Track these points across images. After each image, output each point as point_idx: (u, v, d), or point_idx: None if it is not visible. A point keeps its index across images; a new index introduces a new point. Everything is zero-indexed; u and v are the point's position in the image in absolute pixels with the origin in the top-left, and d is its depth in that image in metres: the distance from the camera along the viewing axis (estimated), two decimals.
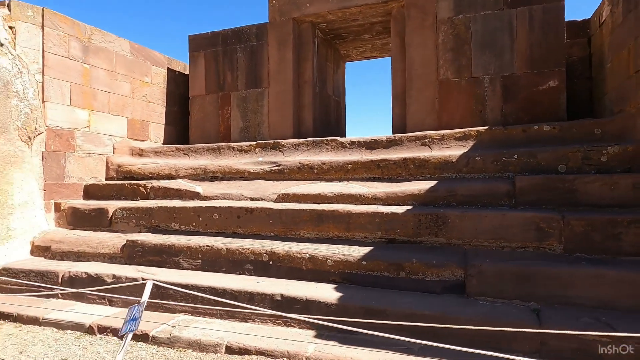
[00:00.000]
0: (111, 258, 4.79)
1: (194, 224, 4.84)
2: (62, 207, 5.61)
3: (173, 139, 7.66)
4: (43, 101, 5.52)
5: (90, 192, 6.00)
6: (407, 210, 4.06)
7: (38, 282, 4.48)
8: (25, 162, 5.27)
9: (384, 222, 4.07)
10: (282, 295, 3.55)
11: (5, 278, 4.65)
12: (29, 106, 5.31)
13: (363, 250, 3.89)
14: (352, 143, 5.51)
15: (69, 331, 3.72)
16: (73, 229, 5.47)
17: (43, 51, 5.54)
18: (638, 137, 4.11)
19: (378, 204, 4.46)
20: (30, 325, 3.88)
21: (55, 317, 3.88)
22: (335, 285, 3.75)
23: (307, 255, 3.96)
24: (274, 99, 6.83)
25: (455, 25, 5.84)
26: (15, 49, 5.26)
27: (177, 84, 7.78)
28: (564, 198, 3.87)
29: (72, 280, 4.38)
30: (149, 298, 3.76)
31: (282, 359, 3.03)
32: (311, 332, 3.36)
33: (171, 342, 3.36)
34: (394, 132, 6.35)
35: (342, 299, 3.41)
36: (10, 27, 5.26)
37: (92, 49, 6.15)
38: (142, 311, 2.56)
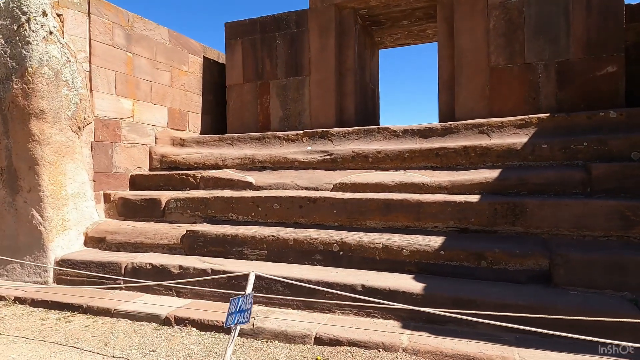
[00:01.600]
0: (170, 249, 4.75)
1: (252, 214, 4.79)
2: (111, 198, 5.56)
3: (209, 128, 7.58)
4: (90, 90, 5.44)
5: (137, 182, 5.94)
6: (481, 198, 3.99)
7: (99, 273, 4.45)
8: (76, 153, 5.21)
9: (457, 211, 4.00)
10: (363, 286, 3.51)
11: (66, 269, 4.62)
12: (77, 95, 5.23)
13: (438, 240, 3.83)
14: (405, 131, 5.43)
15: (144, 322, 3.70)
16: (124, 219, 5.43)
17: (90, 39, 5.44)
18: None
19: (443, 193, 4.39)
20: (102, 317, 3.85)
21: (127, 309, 3.85)
22: (412, 276, 3.70)
23: (381, 245, 3.91)
24: (315, 87, 6.73)
25: (508, 10, 5.70)
26: (63, 37, 5.16)
27: (212, 72, 7.68)
28: None
29: (136, 271, 4.35)
30: (241, 289, 3.73)
31: (377, 350, 3.00)
32: (396, 323, 3.32)
33: (255, 334, 3.33)
34: (440, 120, 6.25)
35: (427, 289, 3.37)
36: (58, 15, 5.15)
37: (134, 37, 6.05)
38: (251, 303, 2.52)
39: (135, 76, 6.07)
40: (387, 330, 3.20)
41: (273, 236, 4.31)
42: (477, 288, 3.35)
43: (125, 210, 5.48)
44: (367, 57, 7.61)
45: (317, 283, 3.66)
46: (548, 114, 4.86)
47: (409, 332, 3.15)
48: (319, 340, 3.16)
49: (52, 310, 4.06)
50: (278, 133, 6.13)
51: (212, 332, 3.44)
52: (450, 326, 3.20)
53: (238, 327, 2.51)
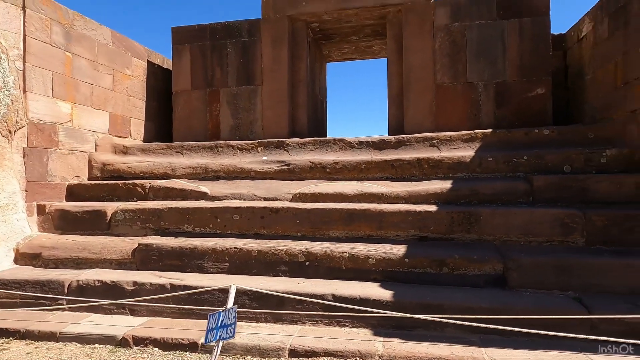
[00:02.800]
0: (120, 264, 4.42)
1: (210, 225, 4.61)
2: (47, 210, 5.06)
3: (153, 135, 7.21)
4: (24, 91, 4.95)
5: (76, 192, 5.47)
6: (439, 208, 4.21)
7: (37, 293, 4.01)
8: (6, 160, 4.69)
9: (417, 220, 4.18)
10: (333, 295, 3.52)
11: None
12: (9, 96, 4.73)
13: (401, 248, 3.97)
14: (360, 143, 5.58)
15: (97, 345, 3.39)
16: (62, 233, 4.95)
17: (24, 35, 4.96)
18: (628, 141, 4.62)
19: (401, 203, 4.57)
20: (45, 342, 3.47)
21: (75, 331, 3.51)
22: (379, 284, 3.79)
23: (347, 254, 3.96)
24: (268, 97, 6.70)
25: (452, 32, 6.14)
26: None
27: (156, 77, 7.34)
28: (576, 196, 4.25)
29: (82, 290, 3.98)
30: (186, 304, 3.55)
31: (354, 358, 3.02)
32: (368, 331, 3.38)
33: (226, 350, 3.19)
34: (390, 133, 6.51)
35: (395, 296, 3.47)
36: None
37: (74, 36, 5.62)
38: (234, 317, 2.41)
39: (75, 78, 5.62)
40: (360, 338, 3.24)
41: (235, 248, 4.19)
42: (442, 293, 3.51)
43: (64, 223, 5.01)
44: (317, 70, 7.74)
45: (286, 294, 3.61)
46: (491, 130, 5.28)
47: (381, 339, 3.22)
48: (294, 353, 3.11)
49: None
50: (231, 142, 6.00)
51: (178, 352, 3.24)
52: (420, 331, 3.32)
53: (220, 344, 2.40)
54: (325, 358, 3.05)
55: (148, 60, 7.14)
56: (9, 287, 4.10)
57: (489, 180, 4.62)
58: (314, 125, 7.33)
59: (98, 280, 3.99)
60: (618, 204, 4.11)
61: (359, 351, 3.05)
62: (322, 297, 3.53)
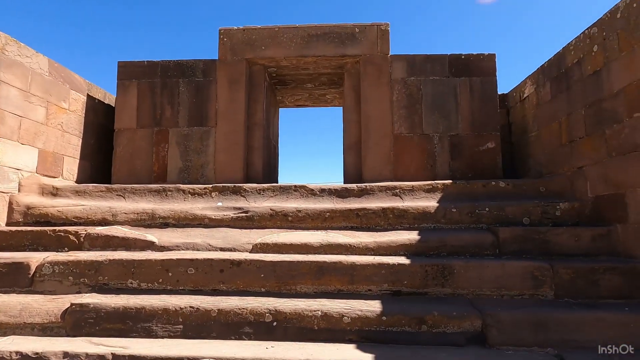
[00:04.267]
0: (44, 329, 3.66)
1: (160, 280, 4.05)
2: None
3: (88, 176, 6.48)
4: None
5: None
6: (413, 260, 4.06)
7: None
8: None
9: (390, 274, 3.98)
10: None
11: None
12: None
13: (376, 305, 3.71)
14: (322, 190, 5.39)
15: None
16: None
17: None
18: (577, 195, 4.90)
19: (370, 254, 4.38)
20: None
21: None
22: (355, 345, 3.46)
23: (320, 312, 3.61)
24: (222, 139, 6.38)
25: (408, 86, 6.35)
26: None
27: (96, 113, 6.73)
28: (539, 248, 4.33)
29: None
30: None
31: None
32: None
33: None
34: (346, 181, 6.44)
35: None
36: None
37: (4, 62, 4.98)
38: None
39: (1, 108, 4.91)
40: None
41: (191, 307, 3.67)
42: (426, 355, 3.27)
43: None
44: (271, 114, 7.60)
45: None
46: (451, 181, 5.36)
47: None
48: None
49: None
50: (182, 186, 5.52)
51: None
52: None
53: None
54: None
55: (88, 94, 6.54)
56: None
57: (456, 232, 4.60)
58: (268, 170, 7.06)
59: (15, 352, 3.23)
60: (577, 256, 4.25)
61: None
62: None
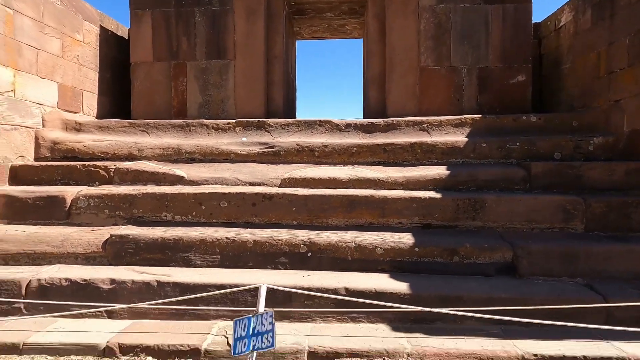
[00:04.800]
0: (87, 259, 3.81)
1: (193, 213, 4.12)
2: None
3: (107, 111, 6.40)
4: None
5: (21, 175, 4.66)
6: (444, 195, 4.06)
7: None
8: None
9: (422, 207, 4.01)
10: (346, 289, 3.25)
11: None
12: None
13: (408, 237, 3.78)
14: (347, 125, 5.29)
15: (74, 357, 2.85)
16: (9, 223, 4.20)
17: None
18: (611, 129, 4.76)
19: (399, 189, 4.38)
20: (6, 356, 2.87)
21: (43, 341, 2.94)
22: (388, 275, 3.57)
23: (353, 244, 3.69)
24: (241, 74, 6.17)
25: (437, 14, 5.98)
26: None
27: (110, 46, 6.49)
28: (571, 183, 4.29)
29: (45, 290, 3.37)
30: (176, 304, 3.13)
31: (381, 358, 2.78)
32: (385, 326, 3.16)
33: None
34: (367, 116, 6.31)
35: (412, 289, 3.27)
36: None
37: None
38: (271, 323, 2.04)
39: (17, 39, 4.74)
40: (381, 335, 3.01)
41: (227, 238, 3.76)
42: (458, 284, 3.38)
43: (10, 211, 4.24)
44: (289, 46, 7.29)
45: (293, 289, 3.28)
46: (480, 115, 5.22)
47: (404, 334, 3.01)
48: (314, 355, 2.81)
49: None
50: (205, 121, 5.45)
51: (177, 359, 2.82)
52: (439, 324, 3.16)
53: (254, 354, 2.05)
54: (349, 359, 2.78)
55: (101, 26, 6.28)
56: None
57: (485, 167, 4.55)
58: (287, 106, 6.91)
59: (65, 279, 3.39)
60: (610, 191, 4.21)
61: (385, 350, 2.82)
62: (335, 291, 3.24)
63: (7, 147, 4.64)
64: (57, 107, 5.39)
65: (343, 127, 5.29)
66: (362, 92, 7.14)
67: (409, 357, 2.78)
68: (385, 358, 2.79)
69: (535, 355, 2.73)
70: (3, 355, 2.87)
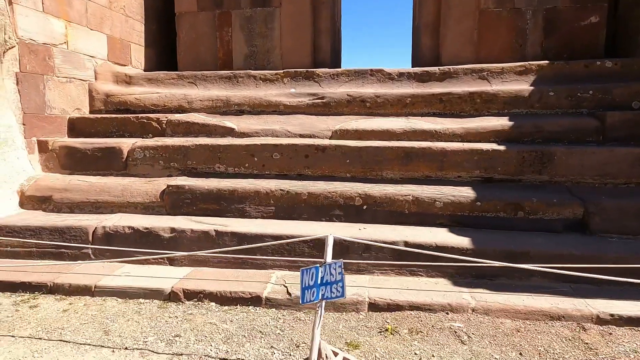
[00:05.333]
0: (146, 208, 3.91)
1: (246, 164, 4.10)
2: (49, 147, 4.40)
3: (154, 64, 6.38)
4: (10, 2, 4.08)
5: (79, 127, 4.79)
6: (508, 147, 3.81)
7: (55, 241, 3.51)
8: None
9: (483, 160, 3.79)
10: (405, 242, 3.16)
11: (4, 238, 3.56)
12: None
13: (468, 191, 3.60)
14: (400, 74, 5.02)
15: (142, 300, 2.97)
16: (71, 173, 4.35)
17: None
18: None
19: (457, 141, 4.15)
20: (79, 297, 3.03)
21: (112, 284, 3.07)
22: (447, 229, 3.45)
23: (410, 197, 3.57)
24: (287, 22, 5.93)
25: None
26: None
27: None
28: None
29: (110, 237, 3.50)
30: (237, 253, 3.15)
31: (444, 312, 2.72)
32: (445, 281, 3.07)
33: (294, 304, 2.84)
34: (417, 66, 5.94)
35: (475, 243, 3.14)
36: None
37: None
38: (340, 273, 2.01)
39: None
40: (442, 289, 2.93)
41: (281, 190, 3.73)
42: (523, 239, 3.21)
43: (71, 162, 4.39)
44: None
45: (346, 241, 3.23)
46: (547, 62, 4.79)
47: (466, 289, 2.92)
48: (375, 307, 2.79)
49: (2, 293, 3.09)
50: (252, 72, 5.32)
51: (239, 306, 2.87)
52: (503, 280, 3.04)
53: (323, 303, 2.03)
54: (411, 312, 2.74)
55: None
56: (22, 235, 3.57)
57: (553, 117, 4.22)
58: (334, 55, 6.64)
59: (128, 227, 3.50)
60: None
61: (449, 304, 2.75)
62: (393, 244, 3.16)
63: (65, 100, 4.73)
64: (107, 60, 5.41)
65: (396, 77, 5.02)
66: (410, 40, 6.71)
67: (473, 312, 2.70)
68: (449, 312, 2.72)
69: (612, 315, 2.58)
70: (77, 296, 3.03)
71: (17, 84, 4.16)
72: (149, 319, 2.71)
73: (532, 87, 4.50)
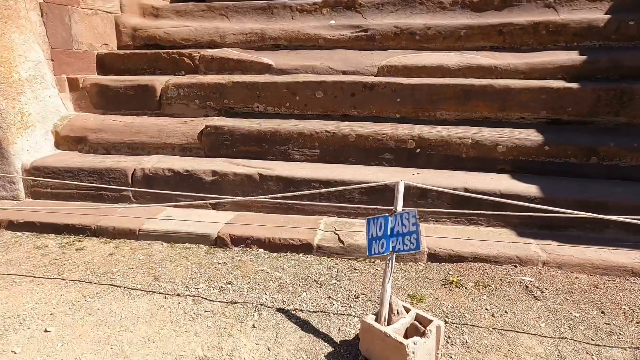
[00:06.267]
0: (184, 150, 3.73)
1: (287, 104, 3.82)
2: (80, 85, 4.20)
3: None
4: None
5: (108, 64, 4.53)
6: (582, 84, 3.39)
7: (95, 183, 3.40)
8: (22, 18, 3.68)
9: (552, 99, 3.40)
10: (466, 189, 2.91)
11: (42, 179, 3.48)
12: None
13: (533, 134, 3.26)
14: (454, 3, 4.48)
15: (189, 245, 2.87)
16: (104, 113, 4.17)
17: None
18: None
19: (519, 78, 3.72)
20: (123, 240, 2.95)
21: (156, 228, 2.97)
22: (510, 175, 3.16)
23: (469, 140, 3.26)
24: None
25: None
26: None
27: None
28: None
29: (150, 180, 3.36)
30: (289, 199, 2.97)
31: (512, 264, 2.52)
32: (509, 231, 2.84)
33: (347, 252, 2.69)
34: None
35: (544, 191, 2.86)
36: None
37: None
38: (414, 224, 1.79)
39: None
40: (507, 240, 2.71)
41: (327, 131, 3.46)
42: (598, 188, 2.91)
43: (103, 101, 4.19)
44: None
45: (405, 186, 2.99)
46: None
47: (533, 240, 2.70)
48: (435, 257, 2.61)
49: (46, 235, 3.04)
50: (288, 2, 4.86)
51: (289, 254, 2.74)
52: (573, 232, 2.79)
53: (394, 256, 1.84)
54: (476, 263, 2.55)
55: None
56: (61, 176, 3.47)
57: (633, 50, 3.71)
58: None
59: (168, 169, 3.34)
60: None
61: (517, 257, 2.53)
62: (454, 190, 2.91)
63: (91, 33, 4.45)
64: None
65: (448, 5, 4.50)
66: None
67: (544, 266, 2.49)
68: (517, 265, 2.51)
69: None
70: (122, 240, 2.95)
71: (42, 15, 3.88)
72: (198, 265, 2.60)
73: (608, 16, 3.94)
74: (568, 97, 3.37)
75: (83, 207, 3.28)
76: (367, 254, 1.91)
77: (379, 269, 2.55)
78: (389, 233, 1.86)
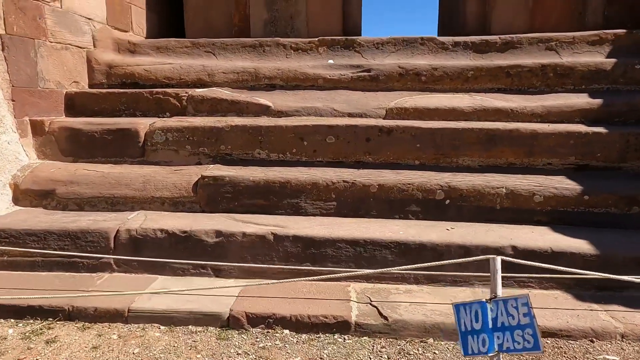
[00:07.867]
0: (175, 204, 3.19)
1: (293, 150, 3.42)
2: (46, 128, 3.60)
3: (157, 30, 5.52)
4: None
5: (79, 105, 3.97)
6: (610, 129, 3.24)
7: (68, 250, 2.79)
8: None
9: (581, 144, 3.22)
10: (513, 247, 2.58)
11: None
12: None
13: (567, 182, 3.03)
14: (456, 44, 4.36)
15: (193, 327, 2.32)
16: (75, 161, 3.58)
17: None
18: None
19: (536, 121, 3.56)
20: (109, 324, 2.35)
21: (150, 307, 2.40)
22: (549, 227, 2.89)
23: (504, 190, 2.97)
24: None
25: None
26: None
27: None
28: None
29: (137, 243, 2.79)
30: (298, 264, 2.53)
31: (588, 339, 2.17)
32: (564, 294, 2.52)
33: (393, 330, 2.24)
34: (453, 33, 5.28)
35: (597, 247, 2.59)
36: None
37: None
38: (529, 314, 1.38)
39: None
40: (569, 306, 2.38)
41: (345, 181, 3.08)
42: None
43: (74, 147, 3.60)
44: None
45: (440, 246, 2.64)
46: (625, 30, 4.21)
47: (597, 306, 2.38)
48: None
49: (3, 322, 2.38)
50: (281, 40, 4.56)
51: (321, 335, 2.26)
52: (632, 292, 2.51)
53: (500, 357, 1.43)
54: (546, 340, 2.18)
55: None
56: (22, 241, 2.83)
57: None
58: (360, 23, 5.89)
59: (160, 230, 2.79)
60: None
61: (591, 329, 2.19)
62: (500, 250, 2.58)
63: (60, 70, 3.90)
64: (107, 24, 4.55)
65: (450, 46, 4.36)
66: (437, 6, 5.91)
67: (624, 339, 2.16)
68: (594, 339, 2.17)
69: None
70: (106, 324, 2.35)
71: (3, 49, 3.32)
72: (212, 358, 2.06)
73: (613, 60, 3.92)
74: (597, 142, 3.21)
75: (51, 279, 2.65)
76: (463, 354, 1.49)
77: (436, 352, 2.12)
78: (490, 325, 1.46)
